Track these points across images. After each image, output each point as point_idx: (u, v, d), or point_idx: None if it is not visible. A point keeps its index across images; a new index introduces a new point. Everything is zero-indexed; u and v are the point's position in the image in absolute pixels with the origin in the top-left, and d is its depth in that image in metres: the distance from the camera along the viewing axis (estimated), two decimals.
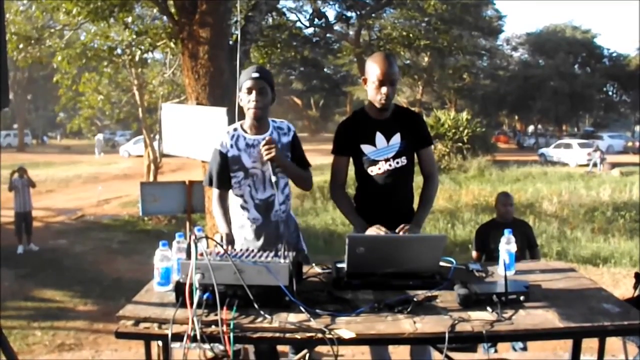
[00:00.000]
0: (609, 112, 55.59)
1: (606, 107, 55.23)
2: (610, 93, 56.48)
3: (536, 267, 3.50)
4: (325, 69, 54.83)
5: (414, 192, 3.81)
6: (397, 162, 3.63)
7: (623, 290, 8.52)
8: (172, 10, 9.31)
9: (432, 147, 3.89)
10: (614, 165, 31.32)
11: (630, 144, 44.16)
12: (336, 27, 35.59)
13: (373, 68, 3.47)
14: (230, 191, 3.56)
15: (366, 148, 3.63)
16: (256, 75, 3.35)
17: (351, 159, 3.72)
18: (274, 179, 3.34)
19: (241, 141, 3.48)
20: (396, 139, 3.62)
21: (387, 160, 3.62)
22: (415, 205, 3.74)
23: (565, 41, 51.56)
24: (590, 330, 2.61)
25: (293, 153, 3.54)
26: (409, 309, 2.64)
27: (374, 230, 3.38)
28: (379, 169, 3.63)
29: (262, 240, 3.52)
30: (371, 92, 3.53)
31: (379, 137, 3.62)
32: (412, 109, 3.98)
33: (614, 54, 53.97)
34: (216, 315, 2.49)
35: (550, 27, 55.94)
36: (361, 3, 33.01)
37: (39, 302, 9.29)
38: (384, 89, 3.47)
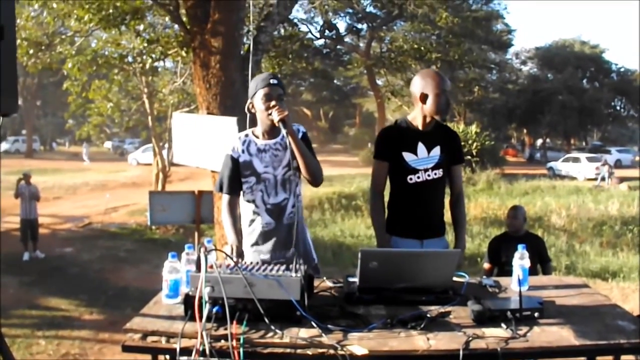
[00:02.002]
0: (617, 126, 55.71)
1: (614, 121, 55.32)
2: (618, 108, 56.42)
3: (549, 282, 3.46)
4: (335, 81, 54.90)
5: (445, 202, 3.95)
6: (435, 174, 3.79)
7: (632, 304, 8.47)
8: (184, 19, 9.32)
9: (462, 165, 4.08)
10: (622, 179, 31.29)
11: (638, 158, 44.20)
12: (347, 39, 35.78)
13: (430, 83, 3.71)
14: (241, 198, 3.52)
15: (408, 156, 3.76)
16: (274, 81, 3.33)
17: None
18: (283, 131, 3.24)
19: (252, 146, 3.45)
20: (436, 151, 3.79)
21: (426, 170, 3.77)
22: (447, 217, 3.94)
23: (574, 56, 51.66)
24: (606, 348, 2.56)
25: None
26: (422, 325, 2.60)
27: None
28: (418, 177, 3.77)
29: (271, 243, 3.48)
30: (430, 104, 3.69)
31: (421, 147, 3.77)
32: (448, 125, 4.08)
33: (622, 69, 54.04)
34: (226, 329, 2.44)
35: (559, 41, 56.06)
36: (372, 15, 33.17)
37: (43, 311, 9.24)
38: (444, 99, 3.68)
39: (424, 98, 3.69)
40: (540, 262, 6.00)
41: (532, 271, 4.99)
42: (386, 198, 3.96)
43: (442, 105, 3.68)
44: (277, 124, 3.24)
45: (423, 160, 3.77)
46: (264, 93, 3.31)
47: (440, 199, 3.90)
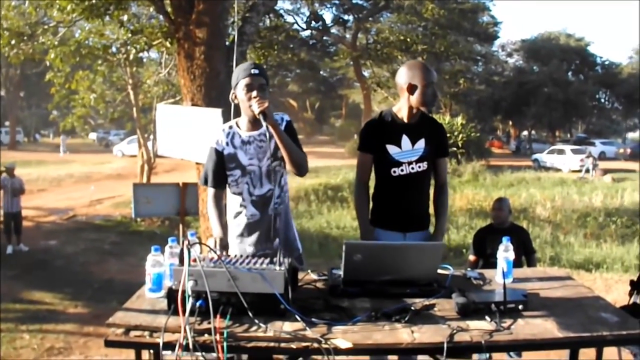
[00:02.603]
0: (601, 118, 56.13)
1: (598, 114, 55.81)
2: (602, 100, 56.91)
3: (533, 274, 3.47)
4: (321, 72, 54.84)
5: (429, 197, 3.94)
6: (419, 166, 3.78)
7: (615, 295, 8.53)
8: (169, 9, 9.24)
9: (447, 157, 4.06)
10: (606, 171, 31.53)
11: (621, 150, 44.52)
12: (333, 30, 35.68)
13: (417, 74, 3.70)
14: (228, 190, 3.50)
15: (391, 148, 3.74)
16: (256, 71, 3.27)
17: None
18: (264, 124, 3.19)
19: (237, 139, 3.41)
20: (421, 143, 3.78)
21: (410, 163, 3.76)
22: (430, 210, 3.92)
23: (559, 48, 51.97)
24: (590, 340, 2.58)
25: None
26: (406, 318, 2.60)
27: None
28: (402, 170, 3.76)
29: (256, 235, 3.45)
30: (417, 95, 3.68)
31: (405, 140, 3.75)
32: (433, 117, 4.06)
33: (607, 62, 54.52)
34: (209, 323, 2.43)
35: (545, 34, 56.34)
36: (358, 7, 33.10)
37: (27, 304, 9.17)
38: (430, 91, 3.67)
39: (411, 89, 3.67)
40: (525, 253, 6.02)
41: (517, 263, 5.03)
42: (372, 190, 3.94)
43: (429, 96, 3.68)
44: (257, 116, 3.20)
45: (407, 153, 3.75)
46: (245, 83, 3.26)
47: (424, 192, 3.88)
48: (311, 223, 16.96)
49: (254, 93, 3.22)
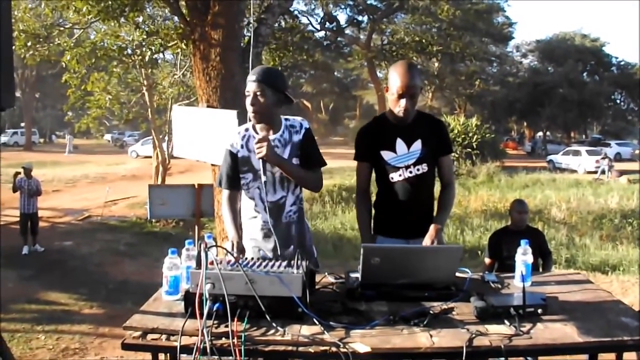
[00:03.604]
0: (617, 120, 55.69)
1: (614, 115, 55.45)
2: (618, 101, 56.65)
3: (552, 278, 3.44)
4: (335, 73, 54.95)
5: (434, 199, 3.77)
6: (418, 169, 3.60)
7: (632, 298, 8.47)
8: (184, 10, 9.26)
9: (452, 154, 3.87)
10: (621, 172, 31.34)
11: (637, 151, 44.23)
12: (347, 31, 35.72)
13: (394, 79, 3.43)
14: (243, 194, 3.50)
15: (386, 154, 3.59)
16: (252, 78, 3.28)
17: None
18: (263, 178, 3.31)
19: (252, 142, 3.39)
20: (417, 145, 3.58)
21: (407, 167, 3.58)
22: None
23: (575, 49, 51.73)
24: (610, 345, 2.55)
25: (302, 151, 3.41)
26: (425, 322, 2.58)
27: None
28: (400, 175, 3.59)
29: (272, 242, 3.43)
30: (391, 102, 3.49)
31: (400, 144, 3.58)
32: (431, 114, 3.94)
33: (622, 63, 54.17)
34: (227, 326, 2.43)
35: (560, 34, 56.08)
36: (372, 7, 33.10)
37: (43, 305, 9.21)
38: (402, 102, 3.44)
39: (387, 92, 3.55)
40: (541, 255, 5.97)
41: (533, 265, 5.00)
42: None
43: (401, 109, 3.46)
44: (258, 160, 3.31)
45: (403, 157, 3.59)
46: (246, 89, 3.31)
47: (426, 195, 3.72)
48: (326, 224, 16.95)
49: (249, 101, 3.30)
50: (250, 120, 3.44)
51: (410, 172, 3.59)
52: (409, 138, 3.58)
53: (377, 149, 3.60)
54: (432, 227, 3.43)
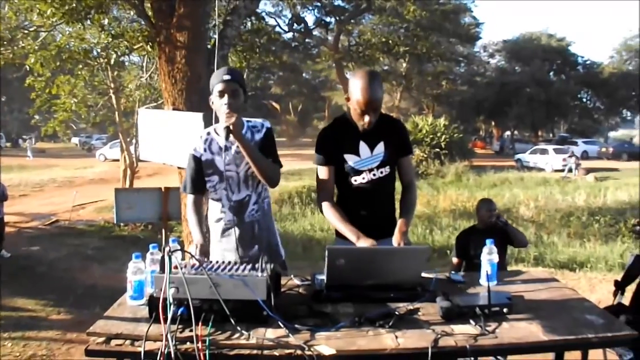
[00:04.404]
0: (583, 118, 56.59)
1: (580, 113, 56.33)
2: (584, 100, 57.54)
3: (518, 277, 3.45)
4: (304, 74, 55.05)
5: (395, 200, 3.74)
6: (381, 172, 3.57)
7: (599, 295, 8.54)
8: (149, 13, 9.20)
9: (412, 155, 3.81)
10: (588, 170, 31.82)
11: (604, 149, 44.94)
12: (315, 32, 35.69)
13: (356, 93, 3.34)
14: (209, 197, 3.49)
15: (350, 158, 3.54)
16: (227, 77, 3.25)
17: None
18: (224, 143, 3.23)
19: (214, 145, 3.40)
20: (380, 148, 3.55)
21: (370, 170, 3.55)
22: (397, 213, 3.65)
23: (541, 48, 52.51)
24: (575, 343, 2.57)
25: (262, 149, 3.37)
26: (390, 323, 2.57)
27: (364, 243, 3.25)
28: (363, 178, 3.56)
29: (235, 241, 3.42)
30: (353, 112, 3.43)
31: (363, 147, 3.53)
32: (390, 115, 3.88)
33: (588, 62, 55.16)
34: (191, 331, 2.40)
35: (527, 34, 56.87)
36: (340, 8, 33.13)
37: (9, 312, 9.05)
38: (366, 118, 3.38)
39: (348, 101, 3.46)
40: (510, 242, 5.92)
41: (502, 262, 5.02)
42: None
43: (366, 124, 3.41)
44: (223, 130, 3.20)
45: (366, 160, 3.55)
46: (219, 90, 3.25)
47: (388, 197, 3.71)
48: (295, 226, 16.95)
49: (225, 100, 3.23)
50: (216, 122, 3.43)
51: (374, 175, 3.56)
52: (372, 141, 3.54)
53: (340, 152, 3.55)
54: (398, 229, 3.37)
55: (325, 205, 3.56)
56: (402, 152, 3.63)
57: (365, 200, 3.58)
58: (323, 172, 3.58)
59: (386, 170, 3.58)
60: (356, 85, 3.33)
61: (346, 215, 3.50)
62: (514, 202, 21.03)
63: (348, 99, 3.43)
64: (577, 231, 16.75)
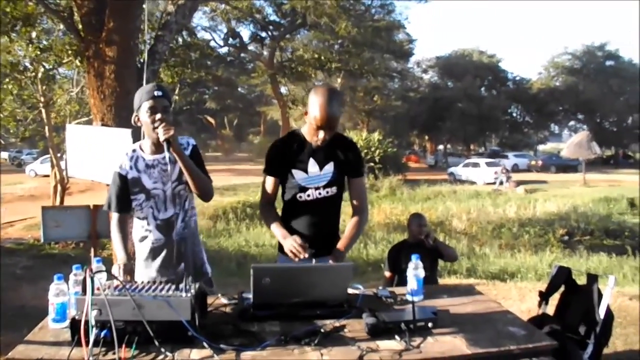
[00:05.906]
0: (514, 132, 57.97)
1: (511, 127, 57.70)
2: (514, 114, 59.03)
3: (444, 291, 3.50)
4: (239, 89, 54.87)
5: (339, 219, 3.73)
6: (327, 192, 3.57)
7: (529, 304, 8.70)
8: (79, 26, 9.05)
9: (364, 178, 3.80)
10: (519, 183, 32.58)
11: (533, 162, 46.17)
12: (250, 47, 35.72)
13: (314, 109, 3.33)
14: (134, 216, 3.43)
15: (297, 174, 3.53)
16: (159, 93, 3.22)
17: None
18: (166, 153, 3.15)
19: (140, 162, 3.35)
20: (329, 168, 3.54)
21: (317, 188, 3.55)
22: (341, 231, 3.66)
23: (473, 65, 53.70)
24: (497, 355, 2.60)
25: None
26: (316, 341, 2.57)
27: (290, 243, 3.30)
28: (308, 196, 3.55)
29: (161, 259, 3.39)
30: (309, 127, 3.44)
31: (312, 164, 3.53)
32: (345, 136, 3.87)
33: (517, 78, 56.78)
34: (114, 353, 2.36)
35: (459, 51, 58.07)
36: (276, 24, 33.23)
37: None
38: (321, 134, 3.38)
39: (306, 115, 3.47)
40: (441, 258, 5.97)
41: (432, 274, 5.08)
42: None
43: (320, 141, 3.41)
44: (162, 143, 3.15)
45: (314, 178, 3.54)
46: (149, 106, 3.20)
47: (333, 216, 3.67)
48: (229, 242, 16.80)
49: (158, 116, 3.17)
50: (143, 138, 3.39)
51: (320, 194, 3.55)
52: (323, 159, 3.53)
53: (289, 167, 3.54)
54: (335, 250, 3.42)
55: (263, 208, 3.66)
56: (353, 173, 3.63)
57: (308, 216, 3.58)
58: (269, 182, 3.59)
59: (332, 190, 3.57)
60: (315, 101, 3.33)
61: (290, 229, 3.52)
62: (447, 215, 21.34)
63: (306, 113, 3.44)
64: (508, 242, 17.13)
